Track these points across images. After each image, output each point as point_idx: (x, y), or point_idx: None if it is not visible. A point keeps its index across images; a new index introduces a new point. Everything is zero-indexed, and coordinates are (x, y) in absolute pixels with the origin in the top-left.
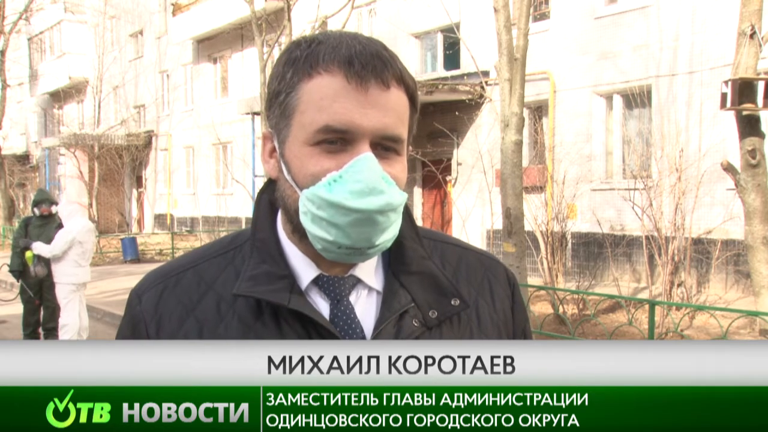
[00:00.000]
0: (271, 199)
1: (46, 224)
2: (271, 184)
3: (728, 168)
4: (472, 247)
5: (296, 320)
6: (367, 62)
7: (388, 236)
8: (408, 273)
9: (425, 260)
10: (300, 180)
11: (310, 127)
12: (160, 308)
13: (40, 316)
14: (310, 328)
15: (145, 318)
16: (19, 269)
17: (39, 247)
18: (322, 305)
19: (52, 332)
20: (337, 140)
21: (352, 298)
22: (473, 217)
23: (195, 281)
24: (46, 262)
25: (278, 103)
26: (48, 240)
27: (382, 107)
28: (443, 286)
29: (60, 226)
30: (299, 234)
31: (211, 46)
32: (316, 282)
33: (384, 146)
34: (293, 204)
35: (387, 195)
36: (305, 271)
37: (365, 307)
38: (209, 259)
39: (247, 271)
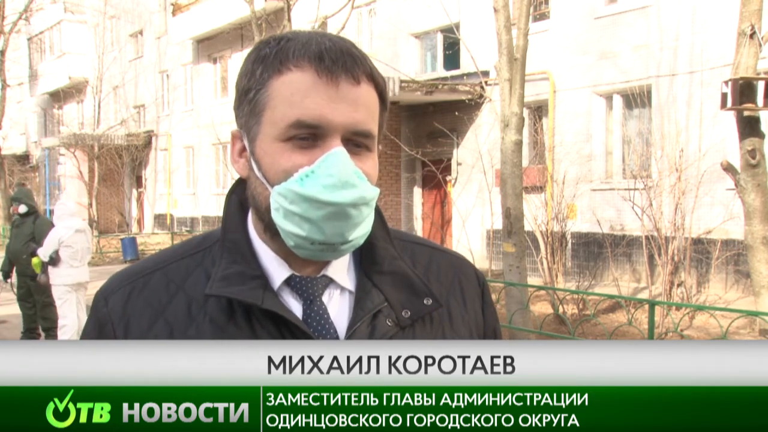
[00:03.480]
0: (240, 199)
1: (23, 223)
2: (240, 185)
3: (728, 168)
4: (442, 248)
5: (269, 321)
6: (337, 57)
7: (360, 232)
8: (380, 273)
9: (396, 260)
10: (271, 176)
11: (281, 123)
12: (128, 310)
13: (34, 316)
14: (284, 328)
15: (113, 319)
16: (6, 269)
17: (39, 252)
18: (295, 306)
19: (50, 333)
20: (308, 135)
21: (325, 298)
22: (473, 217)
23: (163, 283)
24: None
25: (248, 101)
26: (23, 237)
27: (352, 102)
28: (415, 285)
29: (36, 225)
30: (271, 233)
31: (211, 46)
32: (288, 282)
33: (355, 142)
34: (264, 201)
35: (359, 189)
36: (277, 271)
37: (339, 308)
38: (177, 261)
39: (219, 272)
